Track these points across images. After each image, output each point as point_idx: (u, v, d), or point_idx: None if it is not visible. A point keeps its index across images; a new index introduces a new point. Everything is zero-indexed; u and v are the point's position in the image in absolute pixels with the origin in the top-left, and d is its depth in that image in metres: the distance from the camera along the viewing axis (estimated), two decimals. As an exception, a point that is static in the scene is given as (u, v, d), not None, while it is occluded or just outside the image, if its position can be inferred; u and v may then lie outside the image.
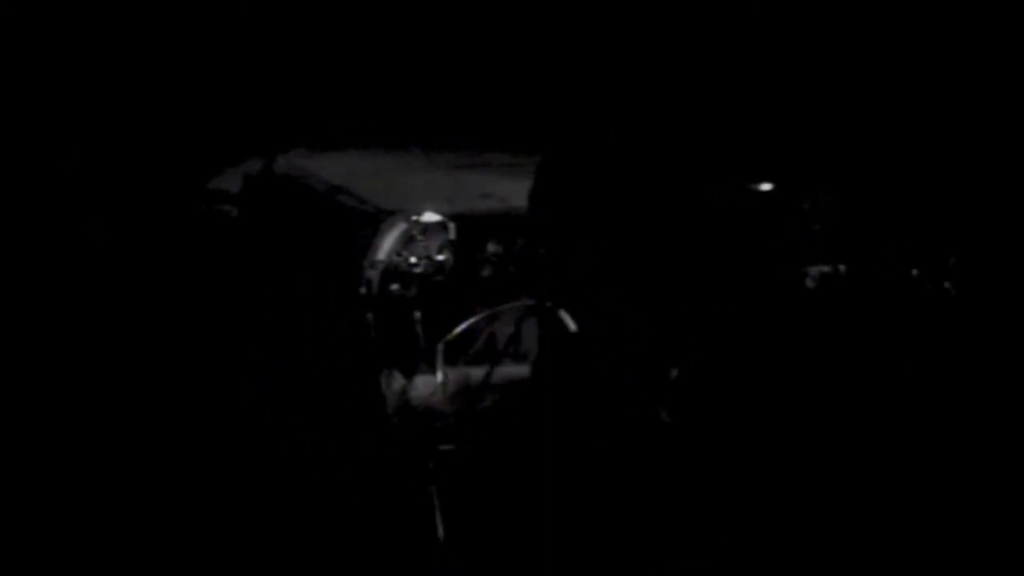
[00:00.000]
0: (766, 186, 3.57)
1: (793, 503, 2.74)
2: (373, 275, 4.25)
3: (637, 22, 2.18)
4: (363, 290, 4.13)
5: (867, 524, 2.63)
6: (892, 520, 2.63)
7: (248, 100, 2.55)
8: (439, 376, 3.46)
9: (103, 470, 2.55)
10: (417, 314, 4.19)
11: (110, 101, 2.44)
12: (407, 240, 4.42)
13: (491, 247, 4.55)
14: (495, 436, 3.09)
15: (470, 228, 4.52)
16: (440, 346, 3.54)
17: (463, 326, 3.67)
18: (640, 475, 2.55)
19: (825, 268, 3.54)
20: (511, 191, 3.80)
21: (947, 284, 3.25)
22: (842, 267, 3.54)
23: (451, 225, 4.46)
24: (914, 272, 3.42)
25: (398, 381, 3.88)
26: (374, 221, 4.21)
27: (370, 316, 4.12)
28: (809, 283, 3.47)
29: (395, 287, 4.33)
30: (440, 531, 2.77)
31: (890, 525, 2.62)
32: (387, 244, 4.35)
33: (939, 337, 3.13)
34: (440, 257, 4.74)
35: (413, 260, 4.40)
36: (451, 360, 3.66)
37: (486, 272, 4.44)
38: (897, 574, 2.57)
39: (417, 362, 4.02)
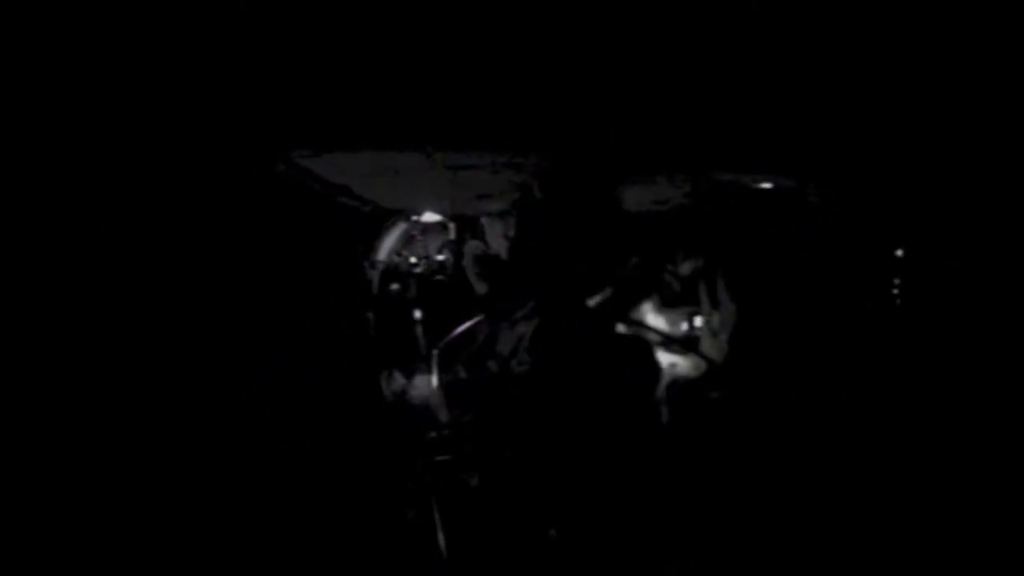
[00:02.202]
0: (766, 186, 3.57)
1: (793, 503, 2.75)
2: (373, 275, 4.25)
3: (637, 21, 2.18)
4: (363, 290, 4.13)
5: (867, 524, 2.63)
6: (891, 520, 2.63)
7: (248, 100, 2.55)
8: (435, 383, 3.45)
9: (103, 469, 2.54)
10: (417, 314, 4.19)
11: (109, 101, 2.44)
12: (407, 240, 4.41)
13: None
14: (494, 442, 3.08)
15: (470, 228, 4.51)
16: (435, 352, 3.53)
17: (459, 330, 3.67)
18: (640, 475, 2.55)
19: (825, 268, 3.54)
20: (511, 191, 3.80)
21: (946, 284, 3.24)
22: (842, 267, 3.54)
23: (451, 225, 4.45)
24: (913, 271, 3.41)
25: (398, 381, 3.87)
26: (374, 221, 4.20)
27: (370, 316, 4.11)
28: (811, 283, 3.47)
29: (395, 287, 4.32)
30: (441, 539, 2.77)
31: (889, 525, 2.62)
32: (387, 244, 4.35)
33: (937, 337, 3.12)
34: (440, 257, 4.73)
35: (413, 260, 4.40)
36: (448, 365, 3.65)
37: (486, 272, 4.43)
38: (896, 574, 2.57)
39: (417, 362, 4.01)
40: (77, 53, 2.17)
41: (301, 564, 2.76)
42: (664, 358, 3.13)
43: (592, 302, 3.09)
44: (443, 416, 3.37)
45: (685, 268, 3.49)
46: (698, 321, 3.16)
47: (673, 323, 3.26)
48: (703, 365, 3.03)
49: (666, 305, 3.41)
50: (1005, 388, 2.85)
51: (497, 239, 4.05)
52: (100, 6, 2.02)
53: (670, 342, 3.05)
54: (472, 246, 4.22)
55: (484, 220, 4.17)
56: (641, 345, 2.89)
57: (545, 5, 2.11)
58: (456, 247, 4.39)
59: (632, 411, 2.68)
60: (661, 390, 2.99)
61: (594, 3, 2.15)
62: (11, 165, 2.37)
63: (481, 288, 4.01)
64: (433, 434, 3.30)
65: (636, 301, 3.19)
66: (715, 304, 3.42)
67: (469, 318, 3.88)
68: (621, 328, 3.03)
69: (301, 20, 2.12)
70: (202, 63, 2.31)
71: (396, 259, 4.45)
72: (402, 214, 4.27)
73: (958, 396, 2.91)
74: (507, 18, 2.13)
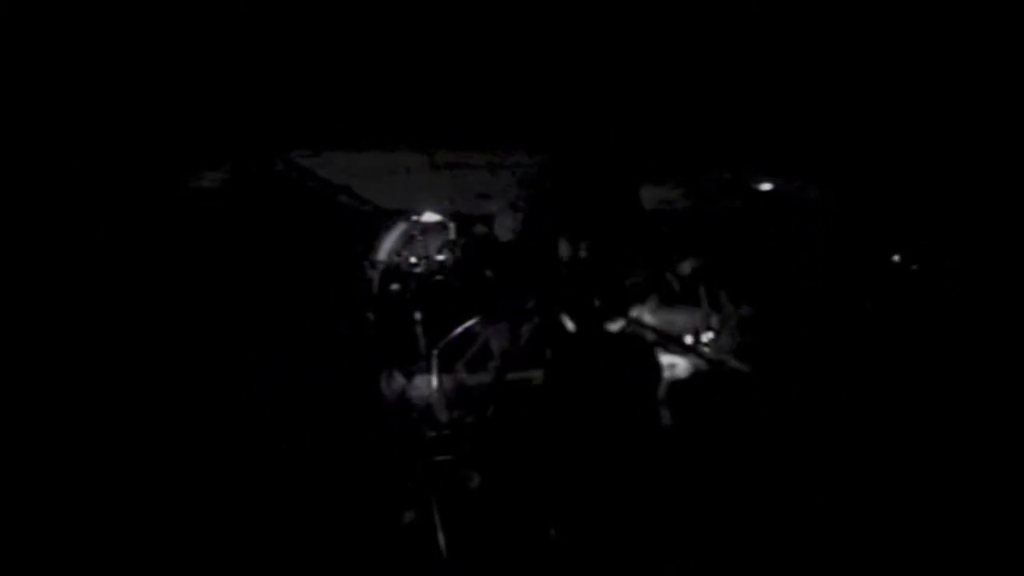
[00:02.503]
0: (766, 186, 3.58)
1: (793, 503, 2.74)
2: (373, 275, 4.25)
3: (637, 21, 2.18)
4: (363, 290, 4.13)
5: (866, 524, 2.63)
6: (891, 520, 2.62)
7: (248, 100, 2.55)
8: (434, 383, 3.45)
9: (103, 469, 2.54)
10: (417, 314, 4.18)
11: (110, 102, 2.44)
12: (407, 240, 4.41)
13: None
14: (494, 442, 3.07)
15: (470, 228, 4.51)
16: (435, 352, 3.54)
17: (459, 330, 3.66)
18: (640, 476, 2.55)
19: (826, 267, 3.54)
20: (510, 191, 3.80)
21: (946, 283, 3.24)
22: (842, 266, 3.54)
23: (451, 225, 4.46)
24: (912, 270, 3.41)
25: (398, 381, 3.87)
26: (374, 221, 4.21)
27: (370, 316, 4.11)
28: (811, 282, 3.47)
29: (395, 287, 4.31)
30: (441, 539, 2.76)
31: (889, 525, 2.62)
32: (387, 244, 4.35)
33: (938, 335, 3.12)
34: (440, 257, 4.73)
35: (413, 260, 4.40)
36: (448, 365, 3.64)
37: (486, 273, 4.43)
38: (895, 574, 2.56)
39: (417, 362, 4.01)
40: (78, 54, 2.17)
41: (301, 563, 2.76)
42: (664, 358, 3.13)
43: (596, 302, 3.09)
44: (443, 416, 3.36)
45: (685, 268, 3.49)
46: (706, 336, 3.16)
47: (673, 323, 3.26)
48: (703, 365, 3.02)
49: (666, 305, 3.40)
50: (1006, 387, 2.85)
51: (504, 231, 4.05)
52: (101, 7, 2.02)
53: (671, 342, 3.05)
54: (478, 228, 4.22)
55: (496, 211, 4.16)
56: (641, 345, 2.89)
57: (545, 7, 2.11)
58: (454, 245, 4.40)
59: (632, 411, 2.67)
60: (661, 390, 2.98)
61: (594, 5, 2.14)
62: (12, 165, 2.37)
63: (474, 274, 4.00)
64: (433, 434, 3.30)
65: (637, 301, 3.19)
66: (715, 304, 3.42)
67: (469, 318, 3.88)
68: (622, 328, 3.03)
69: (301, 21, 2.12)
70: (203, 64, 2.30)
71: (396, 259, 4.45)
72: (402, 214, 4.27)
73: (958, 396, 2.91)
74: (507, 20, 2.13)
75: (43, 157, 2.44)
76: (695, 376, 3.06)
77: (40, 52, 2.16)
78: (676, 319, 3.34)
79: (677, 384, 3.06)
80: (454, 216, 4.33)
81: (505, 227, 4.05)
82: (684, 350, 3.07)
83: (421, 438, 3.32)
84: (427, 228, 4.46)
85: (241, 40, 2.18)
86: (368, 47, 2.24)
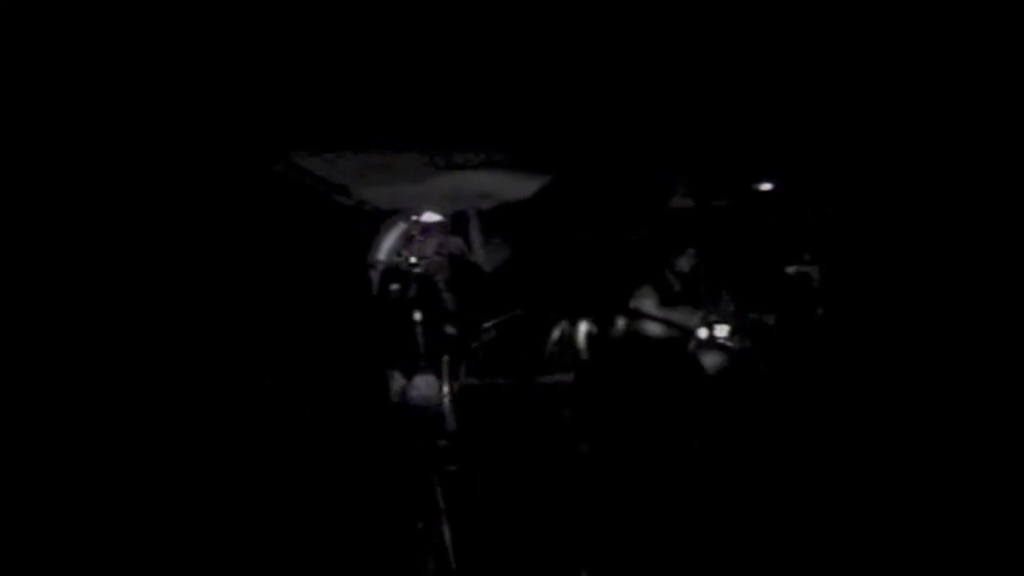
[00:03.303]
0: (766, 186, 3.57)
1: (797, 506, 2.75)
2: (373, 275, 4.22)
3: (637, 21, 2.18)
4: (363, 290, 4.11)
5: (876, 528, 2.64)
6: (900, 524, 2.63)
7: (248, 100, 2.54)
8: (445, 390, 3.42)
9: (104, 469, 2.54)
10: (417, 314, 4.16)
11: (110, 102, 2.44)
12: (407, 240, 4.37)
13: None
14: (503, 451, 3.05)
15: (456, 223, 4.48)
16: (445, 359, 3.50)
17: (464, 335, 3.65)
18: (653, 484, 2.53)
19: (826, 268, 3.54)
20: (511, 191, 3.79)
21: (944, 283, 3.25)
22: (842, 267, 3.54)
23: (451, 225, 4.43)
24: (910, 271, 3.41)
25: (398, 381, 3.85)
26: (374, 221, 4.19)
27: (370, 316, 4.09)
28: (811, 283, 3.47)
29: (395, 287, 4.29)
30: (448, 542, 2.76)
31: (899, 530, 2.63)
32: (387, 244, 4.32)
33: (937, 336, 3.13)
34: (437, 257, 4.68)
35: (413, 260, 4.36)
36: (455, 371, 3.62)
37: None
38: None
39: (417, 362, 4.00)
40: (79, 54, 2.16)
41: (303, 564, 2.75)
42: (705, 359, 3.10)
43: (620, 307, 3.07)
44: (452, 425, 3.34)
45: (685, 266, 3.48)
46: (720, 330, 3.14)
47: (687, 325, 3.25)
48: (723, 362, 2.99)
49: (666, 304, 3.40)
50: (1007, 388, 2.87)
51: (483, 250, 4.00)
52: (101, 6, 2.01)
53: (696, 343, 3.03)
54: (453, 243, 4.15)
55: (472, 218, 4.08)
56: (679, 347, 2.85)
57: (543, 7, 2.11)
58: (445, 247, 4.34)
59: (640, 416, 2.66)
60: (703, 394, 2.94)
61: (594, 5, 2.14)
62: (13, 165, 2.36)
63: (449, 297, 3.94)
64: (443, 443, 3.28)
65: (648, 302, 3.18)
66: (716, 302, 3.41)
67: (466, 318, 3.87)
68: (652, 332, 3.01)
69: (301, 21, 2.11)
70: (203, 64, 2.30)
71: (396, 259, 4.41)
72: (402, 214, 4.25)
73: (960, 396, 2.92)
74: (507, 19, 2.13)
75: (44, 157, 2.43)
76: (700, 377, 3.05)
77: (41, 53, 2.15)
78: (676, 318, 3.34)
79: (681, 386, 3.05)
80: (454, 216, 4.31)
81: (485, 246, 3.98)
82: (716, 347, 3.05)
83: (425, 444, 3.31)
84: (427, 228, 4.42)
85: (241, 41, 2.17)
86: (368, 47, 2.23)
